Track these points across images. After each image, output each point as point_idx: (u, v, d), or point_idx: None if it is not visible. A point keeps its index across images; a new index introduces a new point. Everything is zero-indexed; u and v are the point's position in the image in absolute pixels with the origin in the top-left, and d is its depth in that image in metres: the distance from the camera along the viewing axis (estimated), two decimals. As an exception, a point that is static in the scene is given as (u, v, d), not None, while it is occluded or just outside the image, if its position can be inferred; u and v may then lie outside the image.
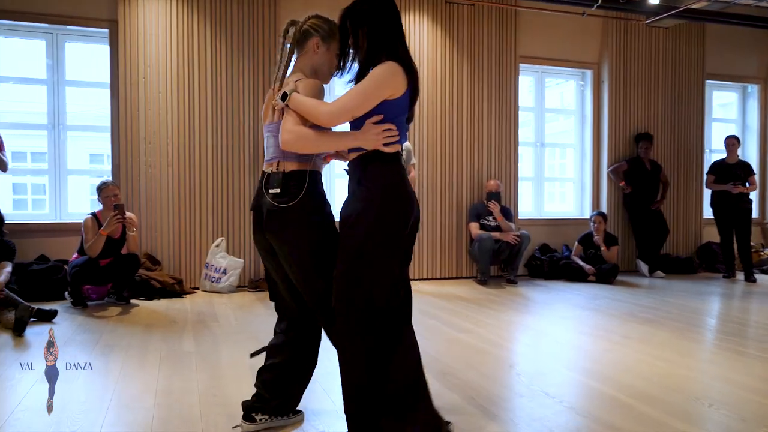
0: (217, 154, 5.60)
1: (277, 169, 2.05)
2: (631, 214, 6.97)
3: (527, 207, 7.16)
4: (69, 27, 5.42)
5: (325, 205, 2.09)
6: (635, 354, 3.37)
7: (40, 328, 3.89)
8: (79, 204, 5.02)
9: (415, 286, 5.86)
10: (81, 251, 4.71)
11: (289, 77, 2.09)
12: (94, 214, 4.69)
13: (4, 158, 4.85)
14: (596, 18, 6.95)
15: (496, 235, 6.01)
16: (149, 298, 4.99)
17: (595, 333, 3.96)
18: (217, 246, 5.44)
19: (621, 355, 3.36)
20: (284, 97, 1.97)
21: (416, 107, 6.75)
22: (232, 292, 5.37)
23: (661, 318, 4.40)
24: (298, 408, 2.31)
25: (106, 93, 5.51)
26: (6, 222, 4.89)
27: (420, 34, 6.27)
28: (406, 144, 5.79)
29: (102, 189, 4.71)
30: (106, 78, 5.50)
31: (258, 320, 4.24)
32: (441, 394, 2.63)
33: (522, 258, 6.20)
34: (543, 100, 7.17)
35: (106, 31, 5.45)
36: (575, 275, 6.30)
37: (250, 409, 2.18)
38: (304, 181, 2.02)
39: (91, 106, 6.22)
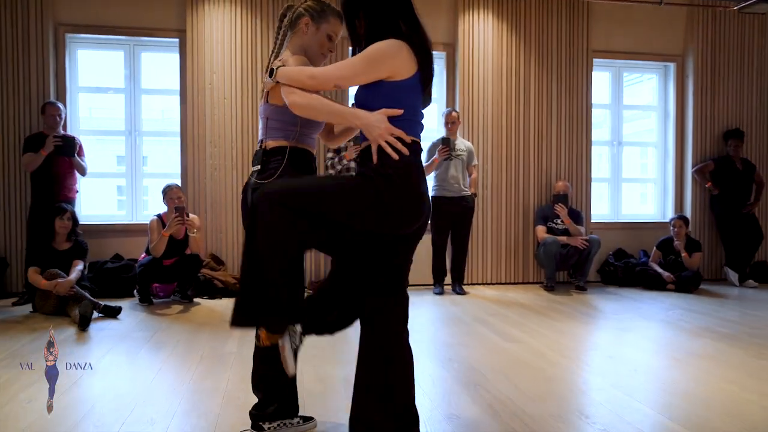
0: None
1: (260, 147, 2.04)
2: (719, 217, 6.41)
3: (603, 209, 6.77)
4: (144, 38, 5.73)
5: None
6: (698, 373, 3.06)
7: (105, 324, 4.12)
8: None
9: (476, 291, 5.69)
10: (148, 251, 4.95)
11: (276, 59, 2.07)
12: (159, 216, 4.91)
13: (83, 163, 5.19)
14: (679, 7, 6.46)
15: (563, 239, 5.72)
16: (212, 297, 5.17)
17: (658, 348, 3.66)
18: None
19: (681, 374, 3.07)
20: (271, 73, 1.93)
21: (476, 104, 6.41)
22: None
23: (741, 334, 3.99)
24: (310, 415, 2.28)
25: (177, 99, 5.79)
26: (87, 223, 5.25)
27: (484, 29, 6.09)
28: (468, 144, 5.65)
29: (166, 192, 4.92)
30: (177, 85, 5.77)
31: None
32: (464, 406, 2.51)
33: (592, 263, 5.86)
34: (620, 96, 6.75)
35: (176, 40, 5.71)
36: (652, 283, 5.87)
37: (255, 418, 2.16)
38: (284, 157, 1.98)
39: (162, 112, 6.54)
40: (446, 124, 5.55)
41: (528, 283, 6.19)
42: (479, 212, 6.04)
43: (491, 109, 6.11)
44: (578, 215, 5.92)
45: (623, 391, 2.79)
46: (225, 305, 4.89)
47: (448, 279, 5.67)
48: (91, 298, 4.31)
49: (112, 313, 4.34)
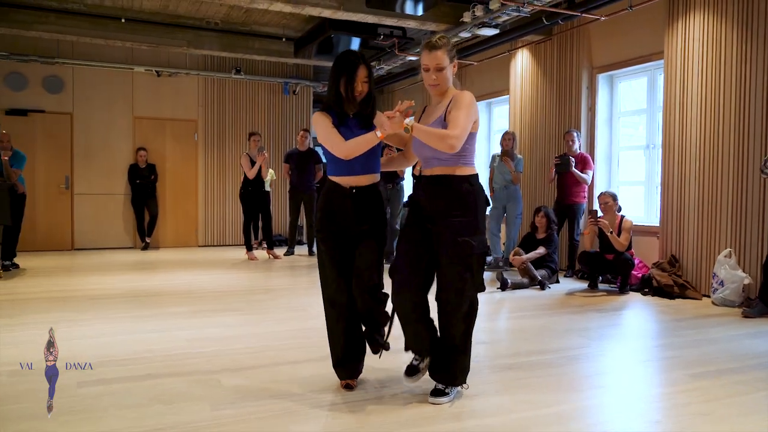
0: (739, 163, 5.32)
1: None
2: None
3: None
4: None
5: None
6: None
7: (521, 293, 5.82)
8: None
9: None
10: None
11: None
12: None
13: (584, 176, 6.64)
14: None
15: None
16: (643, 293, 5.67)
17: None
18: (727, 257, 5.26)
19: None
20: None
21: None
22: (725, 306, 5.10)
23: None
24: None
25: None
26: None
27: None
28: None
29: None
30: None
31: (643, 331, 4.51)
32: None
33: None
34: None
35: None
36: None
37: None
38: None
39: None
40: None
41: None
42: None
43: None
44: None
45: None
46: (639, 301, 5.43)
47: None
48: (536, 273, 6.04)
49: (543, 285, 5.94)
